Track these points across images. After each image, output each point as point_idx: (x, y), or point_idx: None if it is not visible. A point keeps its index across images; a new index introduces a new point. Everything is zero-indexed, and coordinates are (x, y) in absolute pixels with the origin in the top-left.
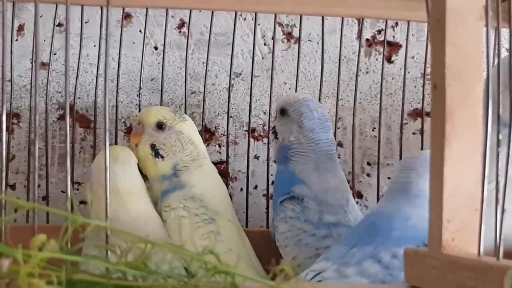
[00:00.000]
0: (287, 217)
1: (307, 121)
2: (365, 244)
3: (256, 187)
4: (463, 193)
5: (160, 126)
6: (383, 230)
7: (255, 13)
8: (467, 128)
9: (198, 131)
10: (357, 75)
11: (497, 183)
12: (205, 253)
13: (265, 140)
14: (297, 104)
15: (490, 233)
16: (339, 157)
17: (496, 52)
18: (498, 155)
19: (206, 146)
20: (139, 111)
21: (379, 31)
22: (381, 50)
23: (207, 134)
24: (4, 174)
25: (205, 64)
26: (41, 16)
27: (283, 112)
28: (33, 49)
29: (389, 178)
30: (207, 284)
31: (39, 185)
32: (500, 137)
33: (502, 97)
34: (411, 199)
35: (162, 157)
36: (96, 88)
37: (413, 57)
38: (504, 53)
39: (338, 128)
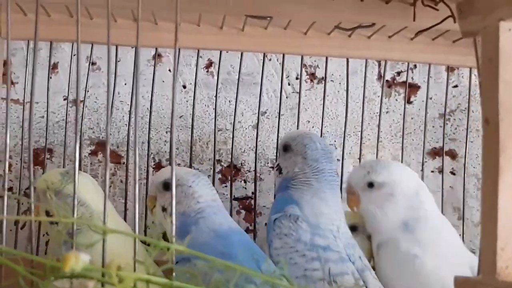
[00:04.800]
0: (282, 233)
1: (310, 151)
2: None
3: None
4: None
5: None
6: None
7: (283, 55)
8: None
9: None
10: (380, 115)
11: None
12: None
13: None
14: (300, 137)
15: None
16: None
17: None
18: None
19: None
20: (171, 148)
21: (399, 73)
22: (400, 90)
23: (234, 170)
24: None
25: (231, 103)
26: (74, 55)
27: (286, 148)
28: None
29: None
30: None
31: None
32: None
33: None
34: None
35: (57, 223)
36: (128, 124)
37: (431, 98)
38: None
39: None
